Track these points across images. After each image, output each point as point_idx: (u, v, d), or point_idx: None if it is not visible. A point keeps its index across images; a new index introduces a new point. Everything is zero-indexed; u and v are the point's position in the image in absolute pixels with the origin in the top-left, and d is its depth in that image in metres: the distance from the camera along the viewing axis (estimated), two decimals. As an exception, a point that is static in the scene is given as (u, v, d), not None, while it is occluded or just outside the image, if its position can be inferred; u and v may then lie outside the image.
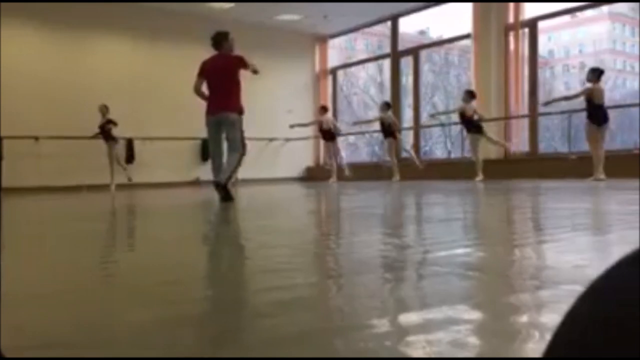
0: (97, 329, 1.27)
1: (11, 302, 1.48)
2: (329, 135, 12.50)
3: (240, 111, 6.04)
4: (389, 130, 11.58)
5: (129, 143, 12.10)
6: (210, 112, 6.00)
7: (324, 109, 12.87)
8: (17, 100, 11.04)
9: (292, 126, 13.00)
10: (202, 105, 13.11)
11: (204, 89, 6.12)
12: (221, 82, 5.91)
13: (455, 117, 11.99)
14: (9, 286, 1.70)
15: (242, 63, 6.00)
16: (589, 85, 8.57)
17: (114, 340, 1.18)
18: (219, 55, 6.11)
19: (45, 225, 4.41)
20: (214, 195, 6.15)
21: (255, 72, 5.97)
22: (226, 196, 5.76)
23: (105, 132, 11.09)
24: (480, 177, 10.05)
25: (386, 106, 11.87)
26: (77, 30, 11.88)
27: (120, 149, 11.66)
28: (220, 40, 6.15)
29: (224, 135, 6.02)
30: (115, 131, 11.18)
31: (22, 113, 11.02)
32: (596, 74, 8.54)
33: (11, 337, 1.17)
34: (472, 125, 10.19)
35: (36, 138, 11.00)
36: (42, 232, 3.81)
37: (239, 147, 6.00)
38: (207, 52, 13.29)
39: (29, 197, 9.03)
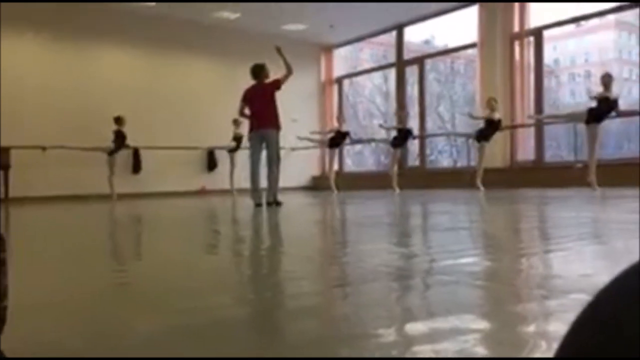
0: (106, 338, 1.28)
1: (20, 311, 1.49)
2: (337, 141, 12.34)
3: (278, 127, 7.08)
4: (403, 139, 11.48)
5: (135, 152, 12.15)
6: (253, 129, 7.11)
7: (339, 119, 12.93)
8: (25, 110, 11.11)
9: (309, 135, 13.17)
10: (209, 114, 13.19)
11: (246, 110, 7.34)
12: (261, 106, 7.04)
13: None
14: (18, 295, 1.71)
15: (275, 86, 7.13)
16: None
17: (122, 349, 1.18)
18: (257, 85, 7.21)
19: (53, 235, 4.43)
20: (219, 204, 6.19)
21: (288, 70, 7.17)
22: (277, 204, 6.94)
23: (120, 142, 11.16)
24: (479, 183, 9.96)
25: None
26: (83, 40, 11.94)
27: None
28: (258, 71, 7.23)
29: (264, 147, 7.10)
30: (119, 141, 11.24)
31: (29, 123, 11.08)
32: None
33: (20, 345, 1.17)
34: (490, 132, 10.01)
35: (43, 148, 11.06)
36: (51, 242, 3.83)
37: (276, 162, 7.05)
38: (213, 62, 13.49)
39: (36, 206, 9.07)
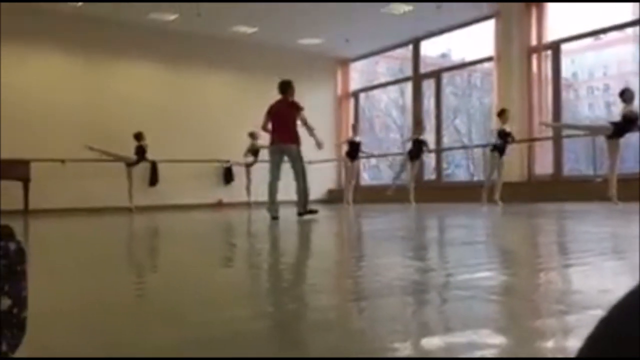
0: (119, 348, 1.29)
1: (40, 321, 1.50)
2: (353, 153, 12.38)
3: (298, 143, 7.19)
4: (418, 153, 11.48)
5: (153, 165, 12.23)
6: (274, 143, 7.25)
7: (354, 128, 13.05)
8: (44, 124, 11.29)
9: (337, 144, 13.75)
10: (226, 128, 13.24)
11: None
12: (283, 121, 7.19)
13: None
14: (36, 305, 1.73)
15: (297, 109, 7.29)
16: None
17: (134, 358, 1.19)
18: (282, 100, 7.34)
19: (72, 247, 4.47)
20: (236, 217, 6.20)
21: (304, 122, 7.27)
22: (311, 212, 7.13)
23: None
24: (497, 197, 9.79)
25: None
26: (101, 55, 12.11)
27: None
28: (284, 88, 7.36)
29: (284, 161, 7.21)
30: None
31: (49, 137, 11.25)
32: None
33: (31, 352, 1.18)
34: (504, 145, 9.89)
35: (62, 161, 11.20)
36: (69, 253, 3.86)
37: (302, 175, 7.16)
38: (230, 76, 13.62)
39: (55, 218, 9.17)
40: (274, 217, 6.94)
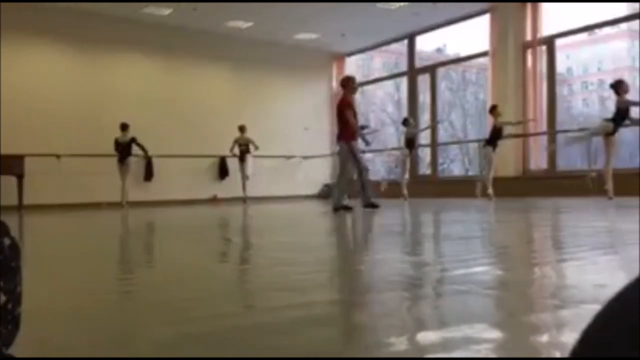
0: (120, 344, 1.28)
1: (34, 317, 1.50)
2: None
3: (344, 139, 7.23)
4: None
5: (148, 161, 12.18)
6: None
7: None
8: (39, 119, 11.24)
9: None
10: (221, 122, 13.22)
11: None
12: (337, 117, 7.39)
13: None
14: (31, 302, 1.72)
15: (344, 102, 7.29)
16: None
17: (135, 355, 1.18)
18: (340, 97, 7.44)
19: (66, 243, 4.45)
20: (231, 212, 6.20)
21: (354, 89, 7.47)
22: (345, 209, 7.14)
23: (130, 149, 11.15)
24: (490, 191, 9.81)
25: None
26: (97, 50, 12.05)
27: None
28: (343, 84, 7.47)
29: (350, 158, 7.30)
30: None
31: (43, 132, 11.20)
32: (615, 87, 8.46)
33: (34, 350, 1.18)
34: (497, 139, 9.92)
35: (57, 156, 11.15)
36: (63, 249, 3.85)
37: (341, 173, 7.36)
38: (226, 71, 13.58)
39: (49, 214, 9.13)
40: (342, 208, 7.15)
